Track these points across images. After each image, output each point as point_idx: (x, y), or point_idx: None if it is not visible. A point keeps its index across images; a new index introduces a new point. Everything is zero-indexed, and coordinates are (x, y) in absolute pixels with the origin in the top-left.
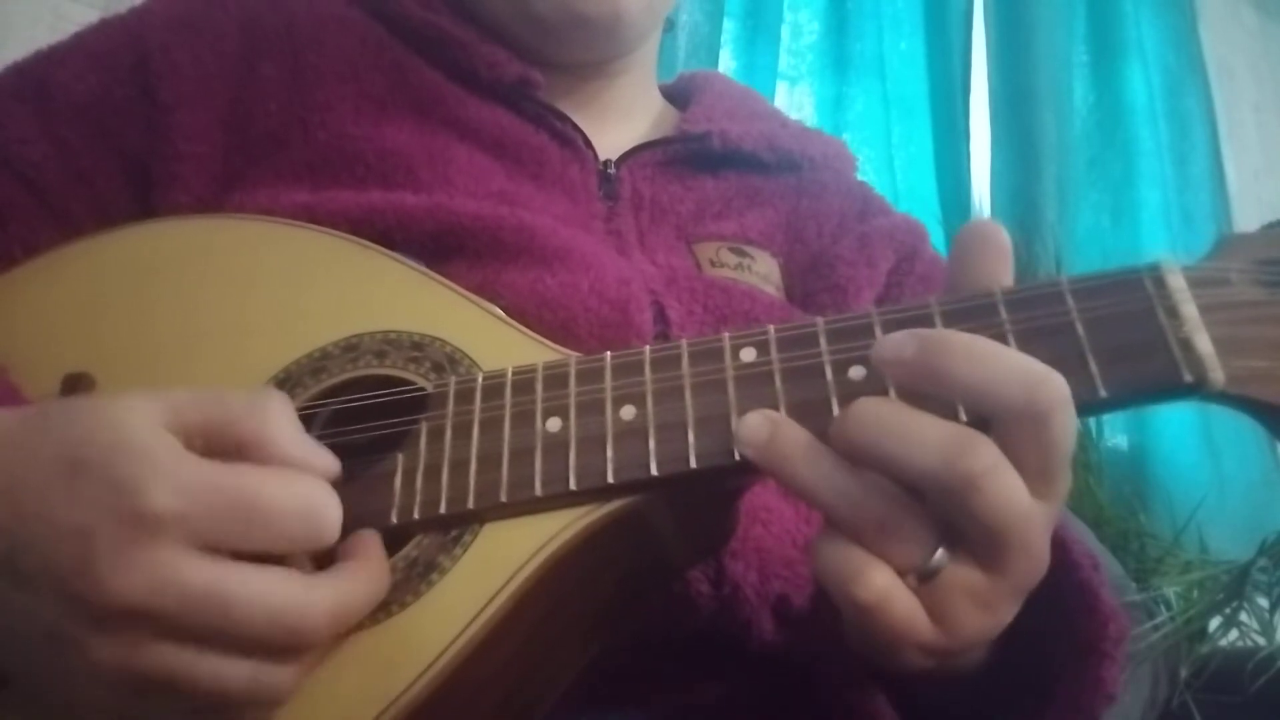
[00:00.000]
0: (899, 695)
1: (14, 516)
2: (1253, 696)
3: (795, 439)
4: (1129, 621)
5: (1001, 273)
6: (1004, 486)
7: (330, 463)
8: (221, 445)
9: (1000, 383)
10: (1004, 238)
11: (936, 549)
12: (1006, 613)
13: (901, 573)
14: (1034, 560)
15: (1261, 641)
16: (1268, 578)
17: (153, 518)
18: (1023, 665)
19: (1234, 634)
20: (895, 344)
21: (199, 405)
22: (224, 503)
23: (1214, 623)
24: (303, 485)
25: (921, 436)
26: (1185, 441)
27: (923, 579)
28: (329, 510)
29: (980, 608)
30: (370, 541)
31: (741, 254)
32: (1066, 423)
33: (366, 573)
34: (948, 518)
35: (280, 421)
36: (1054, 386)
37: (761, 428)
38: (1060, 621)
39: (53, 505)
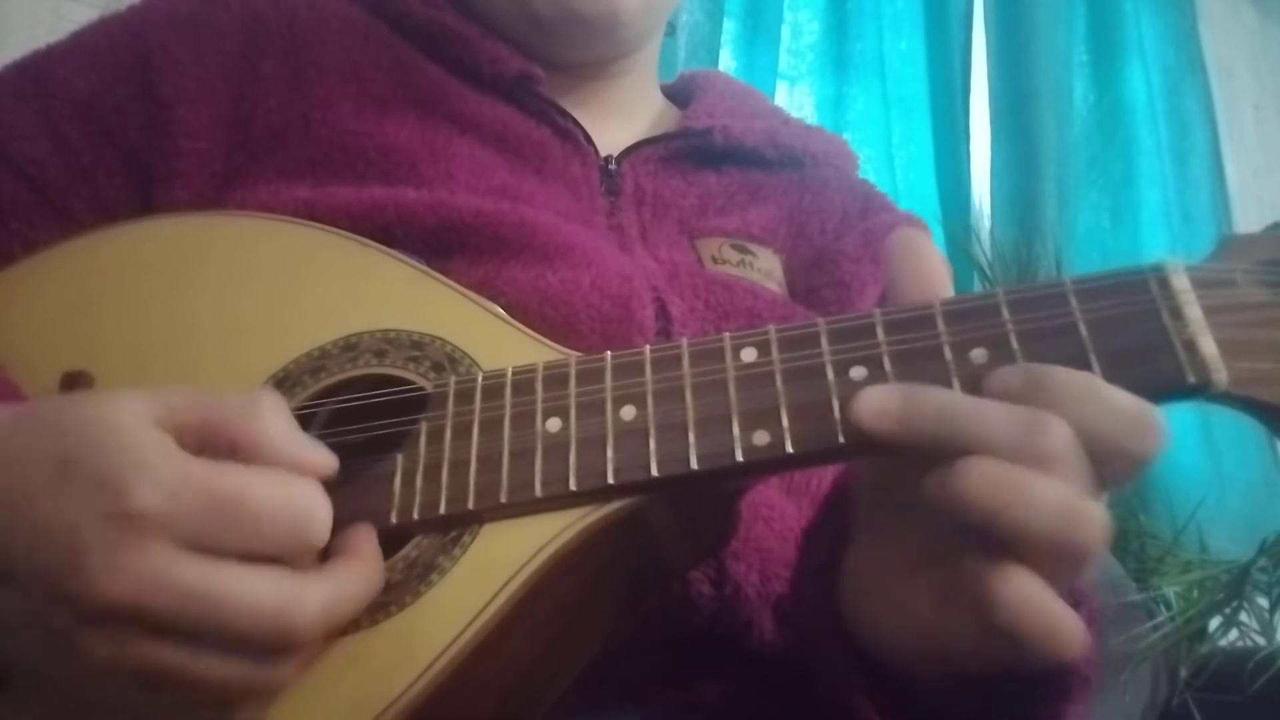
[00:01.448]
0: (889, 696)
1: (3, 514)
2: (1253, 696)
3: (930, 391)
4: (1097, 601)
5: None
6: (1074, 466)
7: (326, 460)
8: (214, 444)
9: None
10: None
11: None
12: None
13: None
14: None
15: (1261, 641)
16: (1268, 578)
17: (139, 516)
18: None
19: (1234, 634)
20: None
21: (193, 403)
22: (211, 503)
23: (1214, 623)
24: (292, 487)
25: (1043, 500)
26: (1185, 441)
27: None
28: (317, 513)
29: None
30: (364, 537)
31: (744, 250)
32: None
33: (359, 570)
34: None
35: (274, 421)
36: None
37: (889, 395)
38: None
39: (41, 503)
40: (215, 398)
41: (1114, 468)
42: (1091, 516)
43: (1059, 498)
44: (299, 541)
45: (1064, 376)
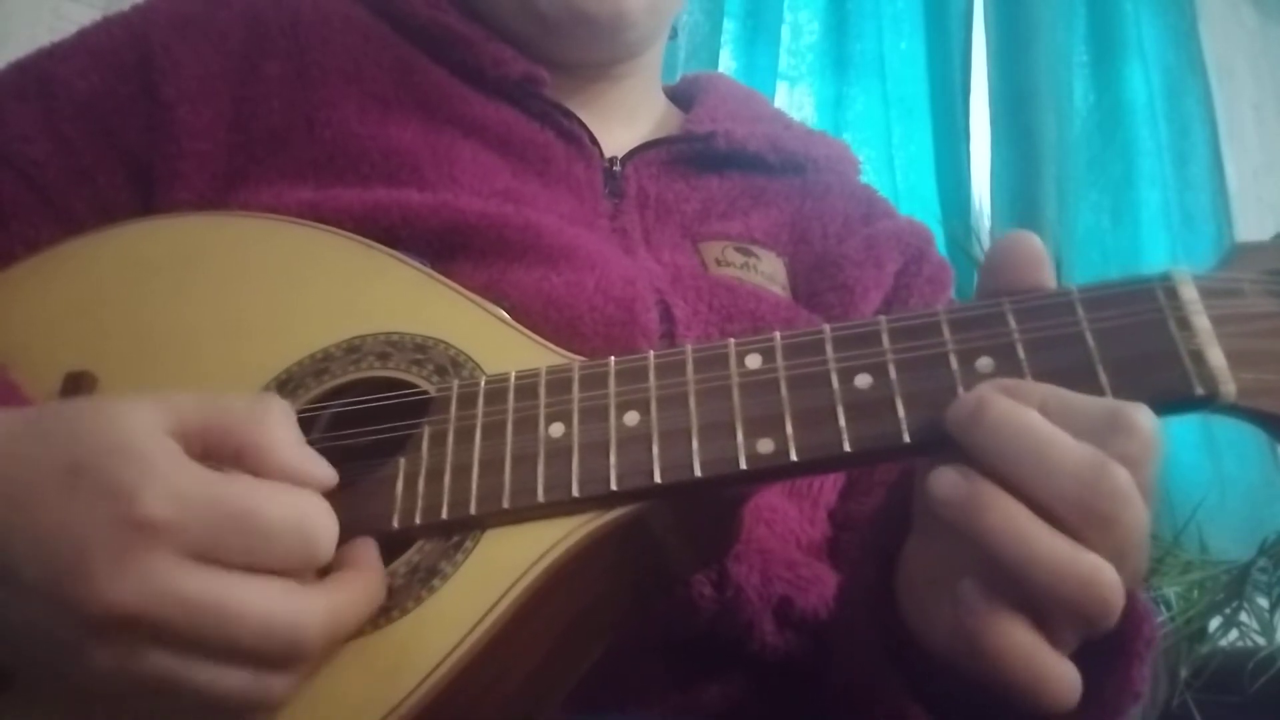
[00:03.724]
0: (921, 686)
1: (10, 520)
2: (1253, 696)
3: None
4: (1157, 625)
5: (1044, 284)
6: (1137, 515)
7: (328, 474)
8: (221, 451)
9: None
10: (1038, 247)
11: None
12: None
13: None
14: (1142, 572)
15: (1261, 641)
16: (1268, 578)
17: (148, 524)
18: None
19: (1234, 634)
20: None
21: (200, 410)
22: (220, 514)
23: (1214, 623)
24: (300, 501)
25: (1060, 460)
26: (1185, 441)
27: None
28: (324, 529)
29: None
30: (366, 550)
31: (747, 253)
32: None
33: (362, 583)
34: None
35: (281, 430)
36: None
37: (960, 485)
38: None
39: (50, 509)
40: (222, 404)
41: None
42: (1106, 578)
43: (1074, 558)
44: (306, 556)
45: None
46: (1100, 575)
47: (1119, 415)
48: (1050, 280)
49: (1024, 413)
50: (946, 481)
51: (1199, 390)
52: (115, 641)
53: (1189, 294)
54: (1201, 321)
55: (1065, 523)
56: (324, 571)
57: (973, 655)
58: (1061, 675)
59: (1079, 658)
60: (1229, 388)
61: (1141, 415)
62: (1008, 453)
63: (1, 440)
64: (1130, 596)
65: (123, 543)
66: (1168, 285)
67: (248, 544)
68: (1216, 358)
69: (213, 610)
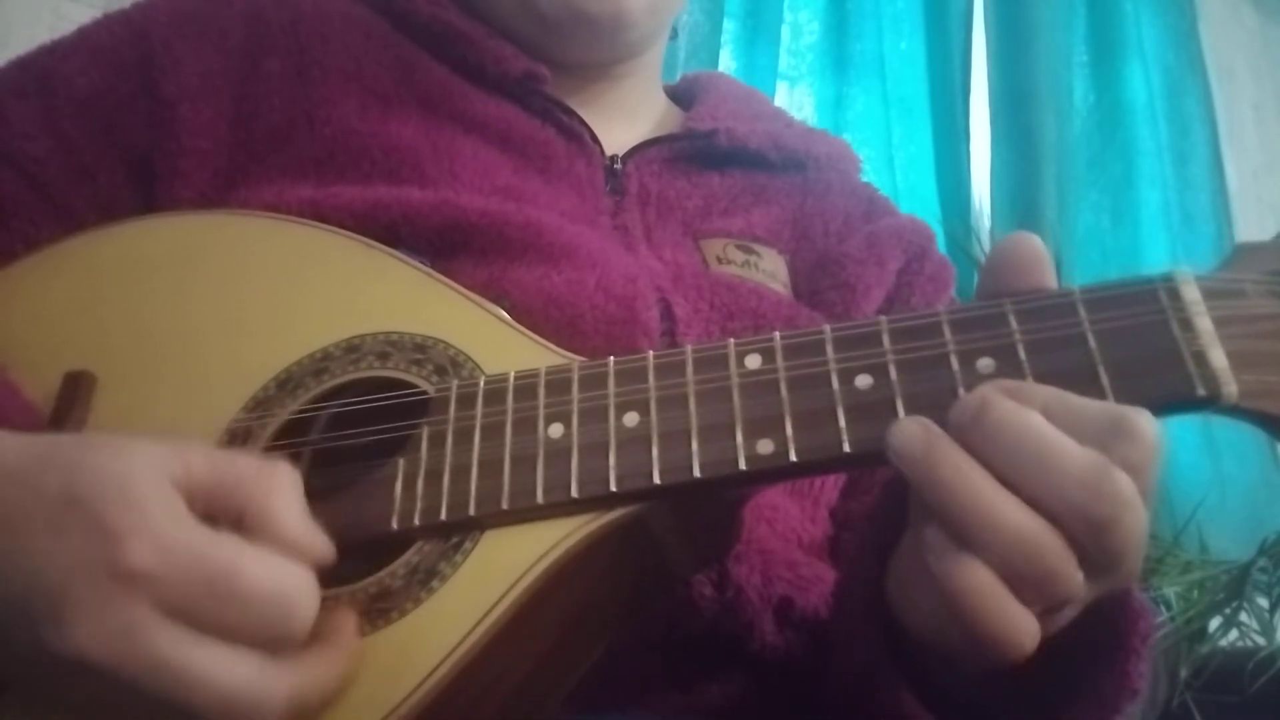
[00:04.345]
0: (920, 685)
1: (2, 540)
2: (1253, 696)
3: (954, 459)
4: (1154, 620)
5: (1045, 285)
6: (1136, 519)
7: (325, 549)
8: (223, 509)
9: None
10: (1039, 248)
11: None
12: (1083, 605)
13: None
14: (1135, 574)
15: (1261, 641)
16: (1268, 578)
17: (129, 573)
18: (1051, 655)
19: (1234, 634)
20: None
21: (210, 464)
22: (202, 573)
23: (1214, 623)
24: (285, 572)
25: (1061, 464)
26: (1185, 441)
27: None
28: (304, 604)
29: (1074, 610)
30: (345, 626)
31: (748, 251)
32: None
33: (330, 663)
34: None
35: (286, 498)
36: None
37: (917, 437)
38: (1092, 615)
39: (38, 538)
40: (234, 462)
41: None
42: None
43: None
44: (281, 629)
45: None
46: (1041, 539)
47: (1122, 421)
48: (1051, 281)
49: (1026, 414)
50: (905, 433)
51: (1201, 391)
52: (82, 684)
53: (1191, 295)
54: (1204, 323)
55: (1066, 526)
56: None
57: (942, 605)
58: (1019, 619)
59: (1076, 656)
60: (1231, 389)
61: (1144, 421)
62: (1009, 455)
63: (9, 464)
64: (1126, 594)
65: (101, 588)
66: (1170, 286)
67: (223, 607)
68: (1219, 359)
69: (174, 674)
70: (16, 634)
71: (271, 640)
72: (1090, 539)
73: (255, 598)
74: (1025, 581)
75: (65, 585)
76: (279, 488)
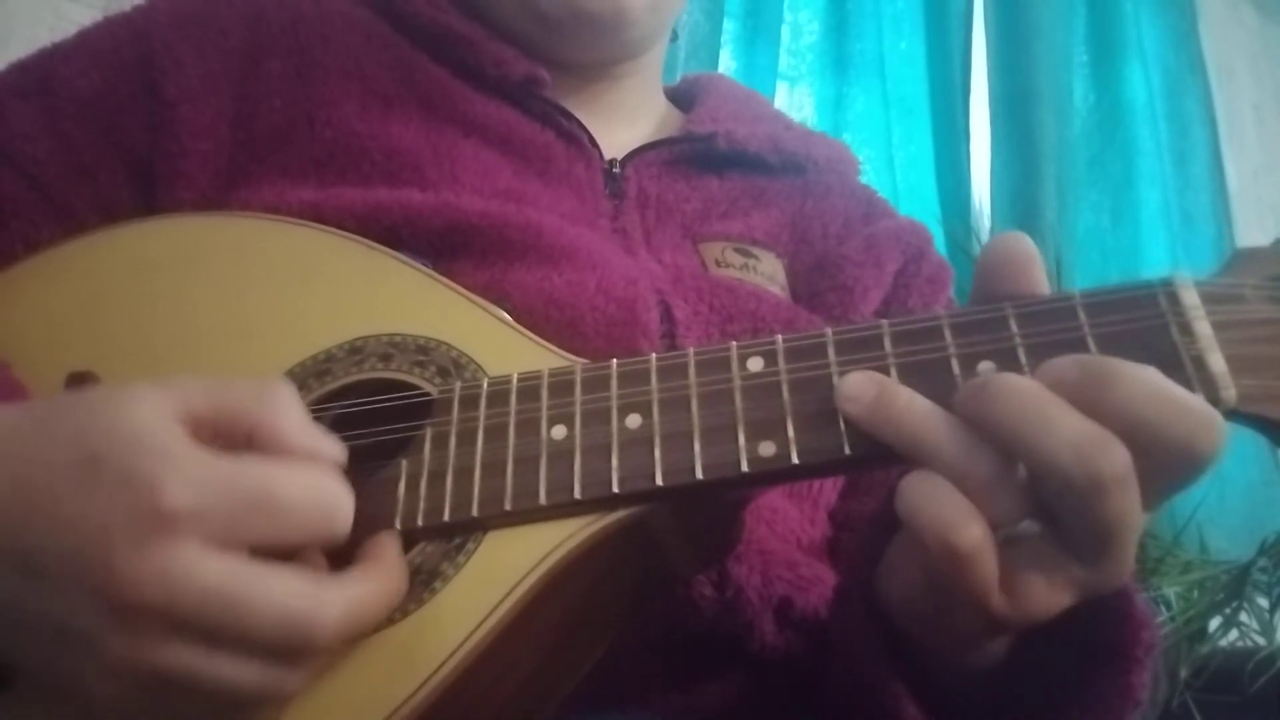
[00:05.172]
0: (920, 692)
1: (27, 514)
2: (1253, 696)
3: (903, 398)
4: (1158, 630)
5: (1037, 284)
6: (1127, 498)
7: (338, 450)
8: (231, 435)
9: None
10: (1030, 247)
11: (1028, 514)
12: (1070, 600)
13: (993, 528)
14: (1124, 569)
15: (1261, 641)
16: (1268, 578)
17: (170, 515)
18: (1050, 665)
19: (1234, 634)
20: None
21: (208, 395)
22: (240, 498)
23: (1214, 623)
24: (316, 477)
25: (1060, 427)
26: None
27: (1007, 542)
28: (342, 501)
29: (1051, 588)
30: (388, 545)
31: (747, 254)
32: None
33: (382, 577)
34: (1051, 505)
35: (289, 410)
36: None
37: (866, 386)
38: (1094, 624)
39: (69, 502)
40: (230, 388)
41: (1173, 468)
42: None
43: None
44: (326, 530)
45: (1128, 370)
46: (978, 470)
47: (1104, 365)
48: (1043, 279)
49: (1028, 381)
50: (851, 380)
51: (1200, 396)
52: (134, 632)
53: (1191, 299)
54: (1203, 327)
55: (1053, 489)
56: (345, 564)
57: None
58: (965, 512)
59: (1078, 665)
60: (1230, 393)
61: (1131, 366)
62: (1009, 415)
63: (10, 438)
64: (1129, 602)
65: (144, 533)
66: (1169, 290)
67: (269, 524)
68: (1218, 363)
69: (231, 600)
70: (53, 604)
71: (320, 541)
72: (1077, 507)
73: (295, 504)
74: (971, 487)
75: (109, 538)
76: (281, 403)
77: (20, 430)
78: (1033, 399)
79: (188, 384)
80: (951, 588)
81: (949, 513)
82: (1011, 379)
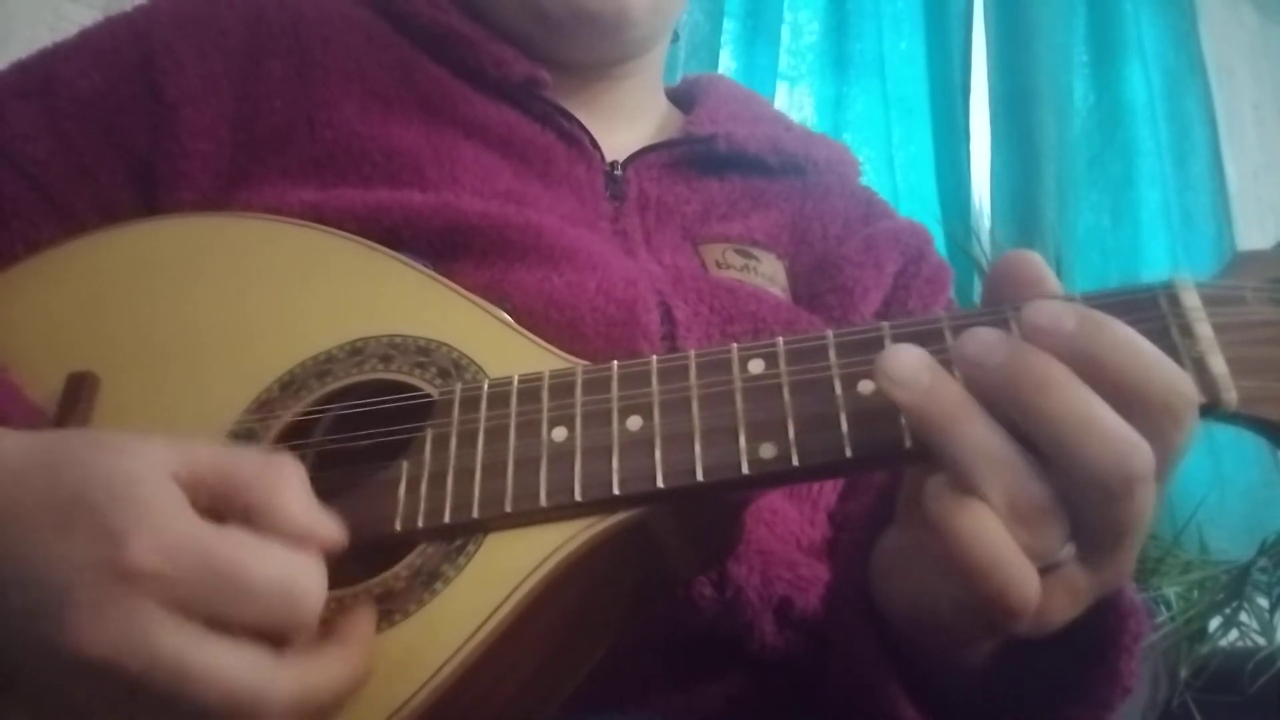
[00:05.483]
0: (919, 688)
1: (5, 543)
2: (1253, 696)
3: (956, 392)
4: (1148, 618)
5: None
6: (1150, 494)
7: (334, 533)
8: (229, 503)
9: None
10: (1041, 265)
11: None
12: (1085, 606)
13: (1034, 559)
14: (1130, 568)
15: (1261, 641)
16: (1268, 578)
17: (134, 571)
18: (1040, 655)
19: (1234, 634)
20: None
21: (214, 459)
22: (206, 569)
23: (1214, 623)
24: (291, 562)
25: (1101, 427)
26: None
27: (1045, 571)
28: (312, 593)
29: (1072, 602)
30: (360, 625)
31: (747, 255)
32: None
33: (341, 663)
34: (1078, 512)
35: (292, 488)
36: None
37: (921, 372)
38: (1085, 614)
39: (41, 540)
40: (236, 455)
41: (1165, 430)
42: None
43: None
44: (288, 618)
45: (1120, 328)
46: (1027, 499)
47: (1090, 316)
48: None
49: (1057, 367)
50: (904, 363)
51: (1201, 398)
52: (86, 684)
53: (1191, 301)
54: (1204, 329)
55: (1080, 486)
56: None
57: (940, 563)
58: (1019, 565)
59: (1069, 656)
60: (1231, 395)
61: (1117, 324)
62: (1052, 413)
63: (13, 463)
64: (1118, 591)
65: (106, 587)
66: (1170, 293)
67: (230, 600)
68: (1218, 365)
69: (178, 671)
70: (24, 633)
71: (280, 632)
72: (1098, 511)
73: (261, 589)
74: (1024, 520)
75: (70, 586)
76: (285, 481)
77: (25, 461)
78: (1071, 394)
79: (197, 446)
80: (982, 616)
81: (1004, 566)
82: (1033, 360)
